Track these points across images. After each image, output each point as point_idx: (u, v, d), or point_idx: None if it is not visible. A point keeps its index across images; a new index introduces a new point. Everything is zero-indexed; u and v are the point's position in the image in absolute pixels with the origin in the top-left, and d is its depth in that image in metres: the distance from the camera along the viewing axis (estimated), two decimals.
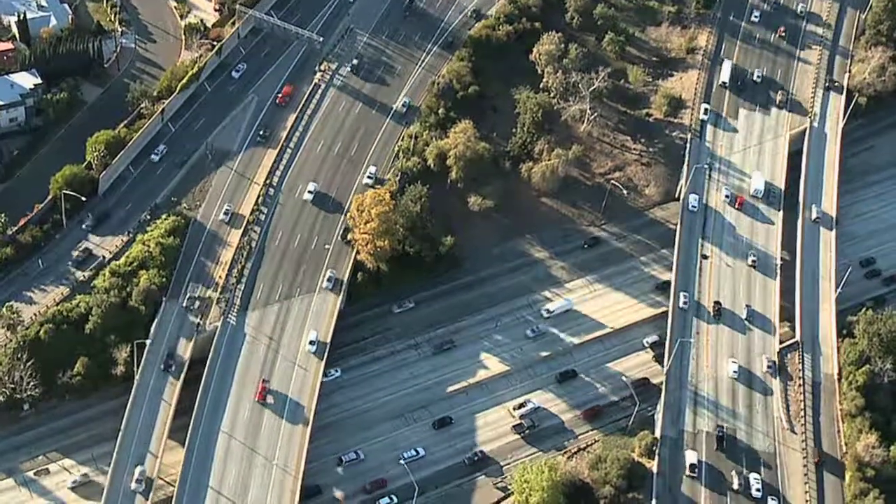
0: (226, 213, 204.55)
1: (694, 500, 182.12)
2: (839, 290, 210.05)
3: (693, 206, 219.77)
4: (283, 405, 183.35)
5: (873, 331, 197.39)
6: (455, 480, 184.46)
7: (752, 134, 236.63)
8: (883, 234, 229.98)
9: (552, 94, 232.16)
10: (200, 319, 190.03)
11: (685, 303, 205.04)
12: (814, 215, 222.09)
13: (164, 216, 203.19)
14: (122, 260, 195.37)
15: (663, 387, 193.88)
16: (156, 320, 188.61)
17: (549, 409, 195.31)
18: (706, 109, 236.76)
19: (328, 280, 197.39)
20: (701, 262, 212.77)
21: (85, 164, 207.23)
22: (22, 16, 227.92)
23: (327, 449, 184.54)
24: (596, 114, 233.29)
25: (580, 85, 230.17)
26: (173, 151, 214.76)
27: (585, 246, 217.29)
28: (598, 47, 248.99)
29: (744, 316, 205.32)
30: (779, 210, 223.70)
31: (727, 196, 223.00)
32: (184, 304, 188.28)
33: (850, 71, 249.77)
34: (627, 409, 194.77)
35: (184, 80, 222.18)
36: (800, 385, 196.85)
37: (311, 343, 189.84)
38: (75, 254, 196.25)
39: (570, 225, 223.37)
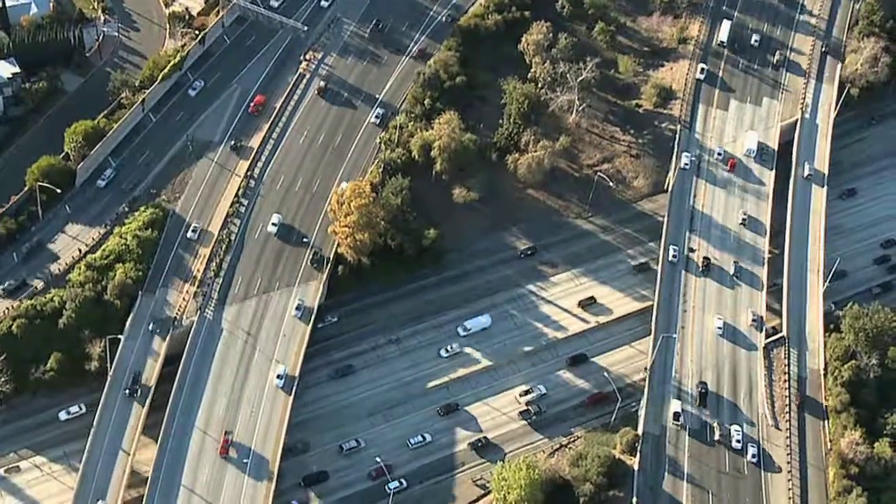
0: (194, 231, 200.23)
1: (675, 498, 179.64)
2: (826, 284, 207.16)
3: (685, 165, 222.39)
4: (259, 402, 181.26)
5: (859, 326, 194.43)
6: (459, 467, 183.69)
7: (742, 125, 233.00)
8: (872, 228, 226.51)
9: (540, 85, 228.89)
10: (176, 316, 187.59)
11: (674, 256, 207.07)
12: (805, 172, 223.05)
13: (142, 208, 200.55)
14: (98, 253, 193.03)
15: (646, 382, 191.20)
16: (131, 315, 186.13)
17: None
18: (702, 69, 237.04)
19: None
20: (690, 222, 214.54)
21: (63, 154, 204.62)
22: (1, 3, 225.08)
23: (327, 437, 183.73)
24: (585, 104, 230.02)
25: (568, 75, 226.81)
26: (152, 143, 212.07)
27: (521, 256, 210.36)
28: (588, 37, 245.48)
29: (731, 272, 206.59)
30: (771, 170, 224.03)
31: (720, 154, 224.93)
32: (150, 328, 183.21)
33: (842, 62, 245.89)
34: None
35: (166, 70, 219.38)
36: (785, 380, 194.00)
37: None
38: (6, 283, 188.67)
39: (556, 217, 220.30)
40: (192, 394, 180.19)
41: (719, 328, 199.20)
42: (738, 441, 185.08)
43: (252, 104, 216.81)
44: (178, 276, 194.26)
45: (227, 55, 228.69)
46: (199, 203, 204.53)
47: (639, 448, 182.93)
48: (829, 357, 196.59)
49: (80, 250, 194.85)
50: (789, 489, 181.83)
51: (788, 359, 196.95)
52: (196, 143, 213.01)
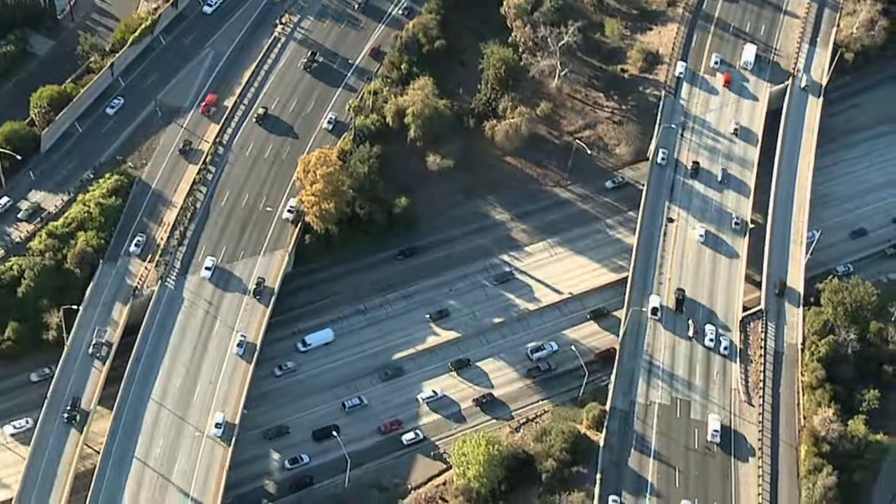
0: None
1: (641, 475, 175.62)
2: (808, 256, 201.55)
3: (679, 73, 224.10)
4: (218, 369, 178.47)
5: (838, 300, 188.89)
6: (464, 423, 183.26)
7: (723, 120, 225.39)
8: (865, 196, 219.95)
9: (521, 49, 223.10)
10: (137, 285, 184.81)
11: (663, 159, 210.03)
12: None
13: (107, 175, 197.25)
14: (61, 221, 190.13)
15: (617, 355, 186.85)
16: (91, 284, 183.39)
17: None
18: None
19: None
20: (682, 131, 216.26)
21: (28, 120, 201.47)
22: None
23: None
24: (567, 69, 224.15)
25: (549, 39, 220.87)
26: (125, 107, 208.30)
27: (400, 257, 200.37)
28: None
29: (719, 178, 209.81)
30: (768, 81, 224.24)
31: (716, 62, 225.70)
32: (89, 351, 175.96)
33: (838, 25, 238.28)
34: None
35: (136, 33, 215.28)
36: (760, 356, 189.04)
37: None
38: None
39: (534, 185, 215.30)
40: (150, 364, 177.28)
41: (701, 236, 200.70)
42: (710, 340, 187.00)
43: (203, 104, 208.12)
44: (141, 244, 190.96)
45: (200, 18, 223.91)
46: (165, 170, 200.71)
47: (605, 423, 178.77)
48: (808, 331, 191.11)
49: (42, 218, 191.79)
50: (759, 467, 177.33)
51: (766, 333, 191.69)
52: (165, 108, 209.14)
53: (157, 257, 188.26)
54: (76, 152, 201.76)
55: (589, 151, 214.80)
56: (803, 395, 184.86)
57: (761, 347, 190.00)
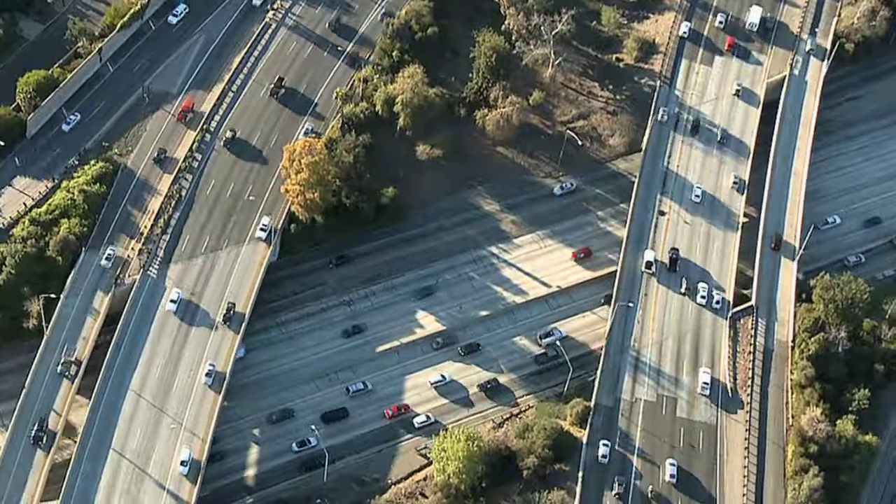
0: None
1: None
2: (801, 251, 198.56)
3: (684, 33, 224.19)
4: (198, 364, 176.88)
5: (829, 297, 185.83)
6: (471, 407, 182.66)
7: (726, 81, 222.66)
8: (861, 191, 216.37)
9: (514, 37, 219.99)
10: (119, 273, 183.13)
11: (664, 114, 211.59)
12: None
13: (92, 162, 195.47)
14: (44, 208, 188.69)
15: (603, 350, 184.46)
16: (73, 272, 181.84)
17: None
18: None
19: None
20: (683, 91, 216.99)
21: (13, 105, 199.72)
22: None
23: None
24: (561, 58, 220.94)
25: (542, 28, 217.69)
26: (109, 94, 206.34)
27: (331, 266, 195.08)
28: None
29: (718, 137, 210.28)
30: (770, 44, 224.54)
31: (721, 22, 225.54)
32: (58, 370, 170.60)
33: (839, 15, 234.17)
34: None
35: (125, 18, 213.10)
36: (750, 352, 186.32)
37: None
38: None
39: (525, 176, 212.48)
40: (130, 354, 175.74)
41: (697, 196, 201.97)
42: (702, 297, 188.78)
43: (180, 111, 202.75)
44: (124, 232, 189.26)
45: (191, 2, 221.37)
46: (151, 157, 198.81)
47: (589, 420, 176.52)
48: (798, 328, 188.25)
49: (25, 204, 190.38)
50: (745, 467, 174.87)
51: (755, 329, 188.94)
52: (153, 94, 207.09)
53: (140, 245, 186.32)
54: (62, 138, 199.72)
55: (580, 142, 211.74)
56: (792, 393, 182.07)
57: (751, 344, 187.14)
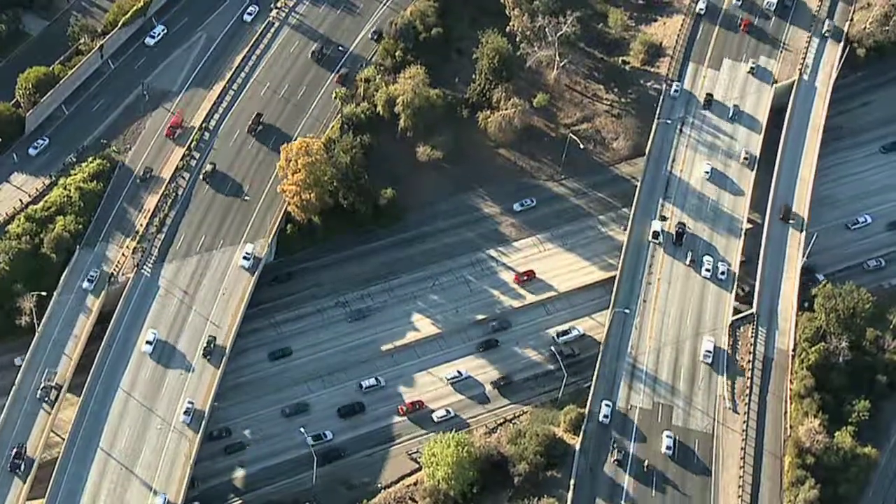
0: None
1: (617, 481, 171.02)
2: (804, 258, 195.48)
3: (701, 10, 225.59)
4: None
5: (831, 306, 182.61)
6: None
7: (734, 85, 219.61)
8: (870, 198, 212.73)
9: (518, 39, 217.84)
10: (113, 272, 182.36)
11: (676, 91, 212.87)
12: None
13: (90, 159, 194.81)
14: (40, 205, 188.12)
15: (599, 356, 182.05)
16: (66, 269, 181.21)
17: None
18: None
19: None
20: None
21: (13, 101, 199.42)
22: None
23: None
24: (565, 60, 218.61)
25: (547, 29, 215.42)
26: (107, 94, 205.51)
27: (273, 283, 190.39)
28: None
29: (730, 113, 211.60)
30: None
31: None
32: (37, 395, 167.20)
33: (851, 19, 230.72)
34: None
35: (128, 15, 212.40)
36: (749, 361, 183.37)
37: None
38: None
39: (527, 179, 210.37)
40: (121, 352, 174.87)
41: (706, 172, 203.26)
42: (707, 270, 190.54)
43: (168, 126, 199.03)
44: (119, 230, 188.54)
45: (194, 1, 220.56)
46: (149, 155, 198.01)
47: (583, 426, 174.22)
48: (799, 338, 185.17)
49: (21, 201, 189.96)
50: (741, 477, 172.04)
51: (755, 337, 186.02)
52: (153, 92, 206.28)
53: (135, 244, 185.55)
54: (60, 135, 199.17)
55: (581, 145, 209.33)
56: (791, 403, 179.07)
57: (750, 353, 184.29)
